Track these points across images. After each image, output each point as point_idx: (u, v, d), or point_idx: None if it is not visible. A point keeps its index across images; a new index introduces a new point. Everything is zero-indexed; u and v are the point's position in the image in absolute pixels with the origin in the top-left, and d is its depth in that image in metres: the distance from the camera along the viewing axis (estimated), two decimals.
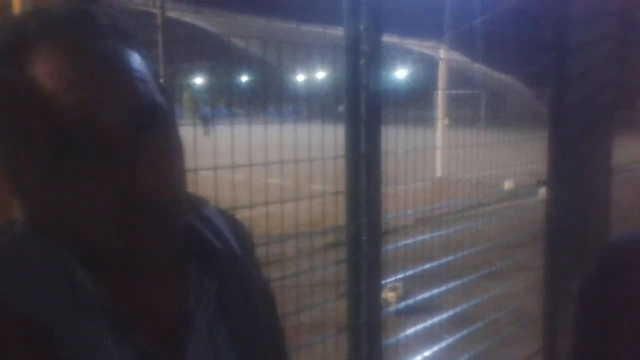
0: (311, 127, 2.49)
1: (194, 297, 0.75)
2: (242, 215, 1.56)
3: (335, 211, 2.29)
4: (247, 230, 0.93)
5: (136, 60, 0.67)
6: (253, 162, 2.04)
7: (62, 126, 0.61)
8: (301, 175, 2.25)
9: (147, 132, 0.65)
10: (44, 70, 0.62)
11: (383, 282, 2.33)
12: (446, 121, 7.72)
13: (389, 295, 4.13)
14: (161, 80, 0.74)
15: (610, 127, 3.11)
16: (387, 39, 2.35)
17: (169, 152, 0.68)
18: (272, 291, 0.93)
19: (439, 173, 6.96)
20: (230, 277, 0.79)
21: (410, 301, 2.96)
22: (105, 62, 0.64)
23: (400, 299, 3.95)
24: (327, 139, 2.29)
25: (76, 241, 0.65)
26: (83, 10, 0.67)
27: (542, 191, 7.37)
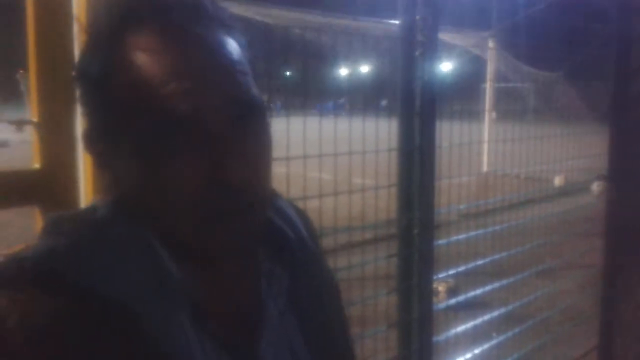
0: (354, 121, 2.46)
1: (266, 286, 0.75)
2: None
3: (388, 205, 2.26)
4: (311, 221, 0.93)
5: (238, 52, 0.68)
6: (300, 155, 2.03)
7: (164, 112, 0.61)
8: (348, 169, 2.23)
9: (245, 124, 0.65)
10: (152, 55, 0.63)
11: (435, 277, 2.29)
12: (493, 115, 7.58)
13: (440, 289, 4.06)
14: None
15: None
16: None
17: (262, 146, 0.68)
18: (336, 281, 0.92)
19: (485, 167, 6.84)
20: (302, 268, 0.79)
21: (461, 297, 2.91)
22: (211, 52, 0.65)
23: (451, 294, 3.89)
24: (374, 133, 2.26)
25: (165, 227, 0.65)
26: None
27: (595, 186, 7.19)
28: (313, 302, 0.80)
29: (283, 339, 0.75)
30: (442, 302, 3.24)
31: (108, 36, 0.65)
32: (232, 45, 0.67)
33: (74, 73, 0.68)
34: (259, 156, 0.67)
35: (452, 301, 2.87)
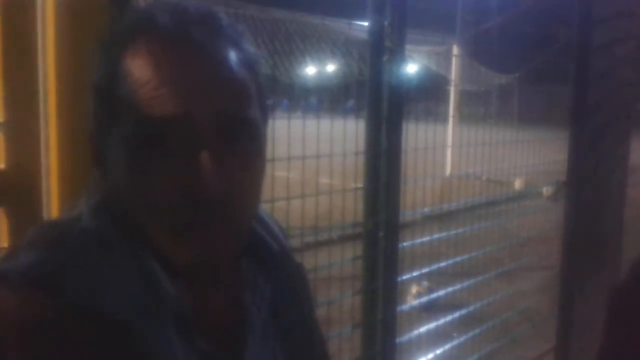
0: (320, 122, 2.46)
1: (249, 297, 0.75)
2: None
3: (355, 206, 2.27)
4: (282, 227, 0.93)
5: (242, 70, 0.66)
6: (269, 156, 2.02)
7: (149, 115, 0.61)
8: (310, 169, 2.23)
9: (232, 139, 0.64)
10: (150, 59, 0.63)
11: (400, 278, 2.32)
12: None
13: (413, 291, 4.08)
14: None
15: (629, 127, 3.09)
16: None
17: (251, 163, 0.67)
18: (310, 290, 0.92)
19: (448, 170, 6.94)
20: (284, 279, 0.79)
21: (424, 299, 2.95)
22: (211, 64, 0.64)
23: (419, 296, 3.92)
24: (340, 134, 2.27)
25: (145, 234, 0.64)
26: (210, 12, 0.67)
27: (546, 190, 7.36)
28: (293, 313, 0.80)
29: (266, 350, 0.75)
30: (411, 302, 3.28)
31: (116, 42, 0.65)
32: (237, 62, 0.66)
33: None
34: (243, 172, 0.65)
35: (416, 302, 2.91)
